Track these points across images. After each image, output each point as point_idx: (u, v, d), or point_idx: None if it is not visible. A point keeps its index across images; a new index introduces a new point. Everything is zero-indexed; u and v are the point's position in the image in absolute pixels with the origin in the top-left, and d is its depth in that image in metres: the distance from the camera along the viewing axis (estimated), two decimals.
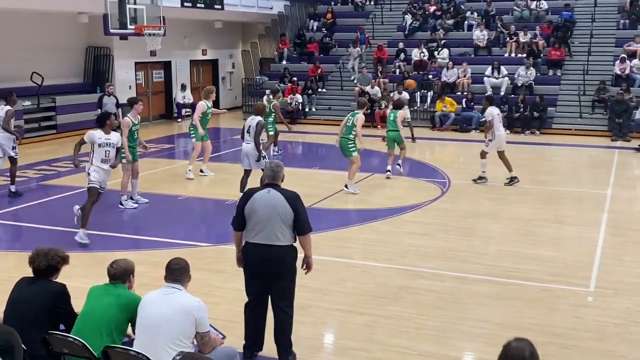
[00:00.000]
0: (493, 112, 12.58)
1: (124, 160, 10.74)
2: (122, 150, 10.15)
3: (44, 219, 10.70)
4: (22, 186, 13.12)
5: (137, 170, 11.43)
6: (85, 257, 8.51)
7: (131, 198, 11.46)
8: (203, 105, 13.29)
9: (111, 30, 14.96)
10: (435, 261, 8.58)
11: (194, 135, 13.53)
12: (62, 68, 20.46)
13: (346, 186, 12.29)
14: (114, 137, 9.42)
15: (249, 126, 11.22)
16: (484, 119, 13.71)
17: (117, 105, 17.69)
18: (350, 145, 12.15)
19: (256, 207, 5.56)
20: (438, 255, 8.85)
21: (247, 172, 11.29)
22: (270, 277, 5.61)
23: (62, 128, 19.24)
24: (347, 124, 12.21)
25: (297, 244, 5.67)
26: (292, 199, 5.56)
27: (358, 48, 23.85)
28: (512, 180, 12.86)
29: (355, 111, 12.37)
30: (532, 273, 8.12)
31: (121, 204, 11.33)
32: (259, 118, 11.29)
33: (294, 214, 5.51)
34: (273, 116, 15.07)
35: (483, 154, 12.95)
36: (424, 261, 8.56)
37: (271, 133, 14.99)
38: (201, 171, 13.76)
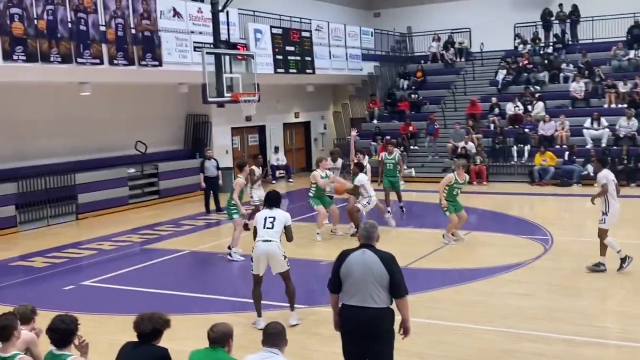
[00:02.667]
0: (608, 176, 10.20)
1: (236, 216, 11.94)
2: (234, 205, 11.60)
3: (146, 282, 11.03)
4: (125, 250, 13.66)
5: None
6: (186, 320, 8.66)
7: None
8: (317, 175, 13.61)
9: (209, 99, 15.55)
10: (540, 323, 8.18)
11: (313, 203, 13.83)
12: (164, 136, 21.46)
13: (443, 236, 12.66)
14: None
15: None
16: (585, 172, 12.96)
17: (218, 167, 18.27)
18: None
19: (351, 268, 5.50)
20: (543, 316, 8.45)
21: None
22: (367, 341, 5.49)
23: (165, 193, 20.03)
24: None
25: (394, 306, 5.56)
26: (387, 260, 5.48)
27: (428, 138, 23.50)
28: (598, 266, 10.32)
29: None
30: None
31: (230, 255, 12.09)
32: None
33: (389, 275, 5.41)
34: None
35: (603, 234, 10.25)
36: (528, 323, 8.18)
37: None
38: (331, 232, 14.13)
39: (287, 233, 8.38)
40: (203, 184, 17.70)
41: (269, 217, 8.29)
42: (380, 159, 16.40)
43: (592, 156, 20.10)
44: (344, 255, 5.65)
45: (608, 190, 10.10)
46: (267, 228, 8.23)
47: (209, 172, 17.72)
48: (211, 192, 17.82)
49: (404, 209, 16.14)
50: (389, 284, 5.42)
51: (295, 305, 8.61)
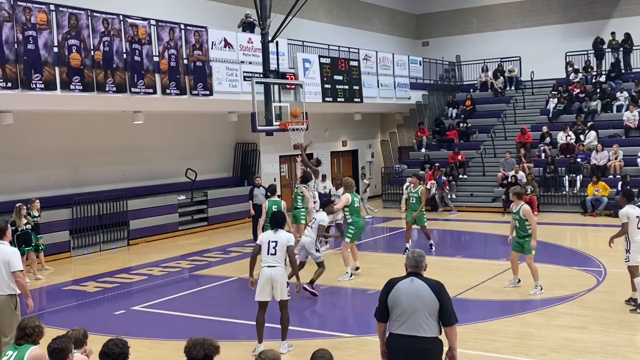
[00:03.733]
0: (630, 213, 9.72)
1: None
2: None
3: (195, 308, 11.13)
4: (175, 276, 13.83)
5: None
6: (233, 346, 8.68)
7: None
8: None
9: (258, 128, 15.73)
10: (593, 357, 7.95)
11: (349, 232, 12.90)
12: (214, 163, 21.79)
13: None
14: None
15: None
16: None
17: (266, 195, 18.36)
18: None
19: (400, 297, 5.46)
20: (597, 350, 8.20)
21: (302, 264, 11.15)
22: None
23: (213, 220, 20.27)
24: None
25: (442, 336, 5.49)
26: (437, 288, 5.45)
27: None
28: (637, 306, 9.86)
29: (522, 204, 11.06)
30: None
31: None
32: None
33: (440, 303, 5.38)
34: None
35: (634, 272, 9.81)
36: (581, 357, 7.96)
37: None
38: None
39: (289, 254, 8.35)
40: (252, 211, 17.84)
41: (272, 242, 8.30)
42: (405, 192, 16.11)
43: None
44: (391, 283, 5.61)
45: (628, 230, 9.68)
46: (271, 254, 8.28)
47: (258, 199, 17.84)
48: (259, 219, 17.92)
49: (433, 247, 15.12)
50: (439, 312, 5.38)
51: (343, 334, 8.54)
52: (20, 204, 13.71)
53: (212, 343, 5.01)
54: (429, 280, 5.49)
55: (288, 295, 8.42)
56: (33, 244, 13.79)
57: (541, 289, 10.94)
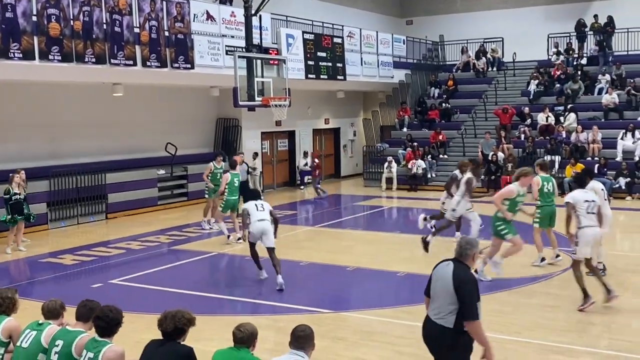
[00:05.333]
0: (596, 187, 9.76)
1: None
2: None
3: (173, 283, 11.11)
4: (154, 251, 13.78)
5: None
6: (211, 321, 8.70)
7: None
8: (512, 190, 10.49)
9: (240, 103, 15.62)
10: (568, 335, 8.06)
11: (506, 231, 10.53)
12: (194, 138, 21.62)
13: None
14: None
15: None
16: (617, 185, 12.49)
17: (248, 172, 18.36)
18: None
19: (433, 278, 5.42)
20: (570, 328, 8.32)
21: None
22: (435, 356, 5.42)
23: (193, 195, 20.14)
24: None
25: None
26: (459, 279, 5.20)
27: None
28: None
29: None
30: None
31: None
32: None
33: (457, 295, 5.16)
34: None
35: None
36: (555, 335, 8.06)
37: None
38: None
39: (271, 212, 10.61)
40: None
41: (258, 204, 10.61)
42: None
43: (624, 169, 19.83)
44: (438, 263, 5.52)
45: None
46: (260, 211, 10.45)
47: (241, 176, 17.83)
48: (240, 196, 17.90)
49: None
50: (458, 304, 5.18)
51: (321, 309, 8.57)
52: (12, 174, 13.66)
53: (184, 315, 5.00)
54: (457, 270, 5.28)
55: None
56: (25, 214, 13.69)
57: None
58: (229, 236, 14.12)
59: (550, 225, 11.64)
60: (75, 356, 5.05)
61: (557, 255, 11.69)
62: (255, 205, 10.60)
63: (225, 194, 14.21)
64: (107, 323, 4.99)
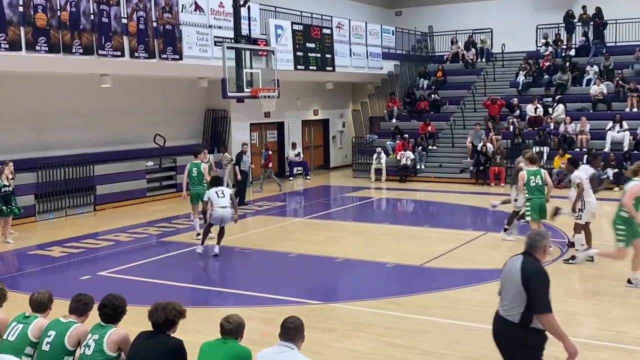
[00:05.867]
0: (582, 176, 10.92)
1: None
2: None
3: (162, 275, 11.09)
4: (142, 242, 13.75)
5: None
6: (200, 312, 8.69)
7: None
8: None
9: (229, 94, 15.58)
10: None
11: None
12: (183, 130, 21.54)
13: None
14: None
15: None
16: (605, 176, 12.68)
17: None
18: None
19: (503, 271, 5.24)
20: (559, 319, 8.33)
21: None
22: (503, 354, 5.19)
23: (182, 187, 20.01)
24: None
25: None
26: (528, 272, 4.98)
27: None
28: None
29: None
30: None
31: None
32: None
33: (525, 289, 4.93)
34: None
35: (578, 229, 11.09)
36: None
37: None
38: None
39: (232, 198, 11.82)
40: (239, 176, 18.07)
41: (219, 191, 11.68)
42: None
43: (612, 159, 19.94)
44: (510, 257, 5.35)
45: (584, 189, 10.84)
46: (221, 197, 11.56)
47: (245, 165, 18.17)
48: (246, 182, 18.38)
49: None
50: (527, 298, 4.96)
51: (310, 301, 8.61)
52: (1, 165, 13.57)
53: (175, 307, 5.00)
54: (526, 262, 5.08)
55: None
56: (11, 207, 13.61)
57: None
58: (198, 234, 13.37)
59: (541, 217, 11.68)
60: (68, 347, 5.06)
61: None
62: (216, 192, 11.61)
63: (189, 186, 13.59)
64: (113, 310, 5.16)
